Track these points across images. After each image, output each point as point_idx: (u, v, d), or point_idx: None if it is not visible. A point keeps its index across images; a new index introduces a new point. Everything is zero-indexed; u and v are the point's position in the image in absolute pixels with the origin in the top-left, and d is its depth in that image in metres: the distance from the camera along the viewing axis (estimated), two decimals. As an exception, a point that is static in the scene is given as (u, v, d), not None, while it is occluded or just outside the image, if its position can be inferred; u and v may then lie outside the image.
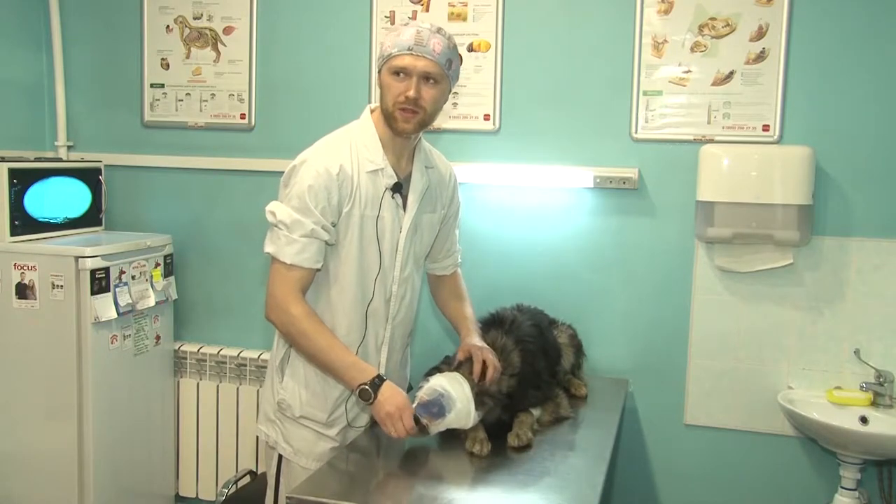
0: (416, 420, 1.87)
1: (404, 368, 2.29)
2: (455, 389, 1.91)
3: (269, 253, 1.94)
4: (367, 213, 1.98)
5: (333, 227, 1.95)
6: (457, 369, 2.00)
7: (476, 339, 2.11)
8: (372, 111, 2.05)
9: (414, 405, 1.88)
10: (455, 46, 1.98)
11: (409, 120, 1.94)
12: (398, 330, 2.14)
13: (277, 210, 1.93)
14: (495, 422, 2.01)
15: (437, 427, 1.89)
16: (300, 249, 1.90)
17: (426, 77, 1.92)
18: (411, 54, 1.90)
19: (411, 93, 1.90)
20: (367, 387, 1.86)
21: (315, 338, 1.91)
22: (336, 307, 2.03)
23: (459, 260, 2.36)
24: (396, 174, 2.02)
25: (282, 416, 2.08)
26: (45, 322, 2.66)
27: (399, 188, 2.02)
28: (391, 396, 1.86)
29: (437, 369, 2.07)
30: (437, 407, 1.88)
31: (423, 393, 1.90)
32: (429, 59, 1.90)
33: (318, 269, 1.96)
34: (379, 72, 1.97)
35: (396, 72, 1.91)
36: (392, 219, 2.02)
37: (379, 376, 1.89)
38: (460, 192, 2.29)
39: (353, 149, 1.98)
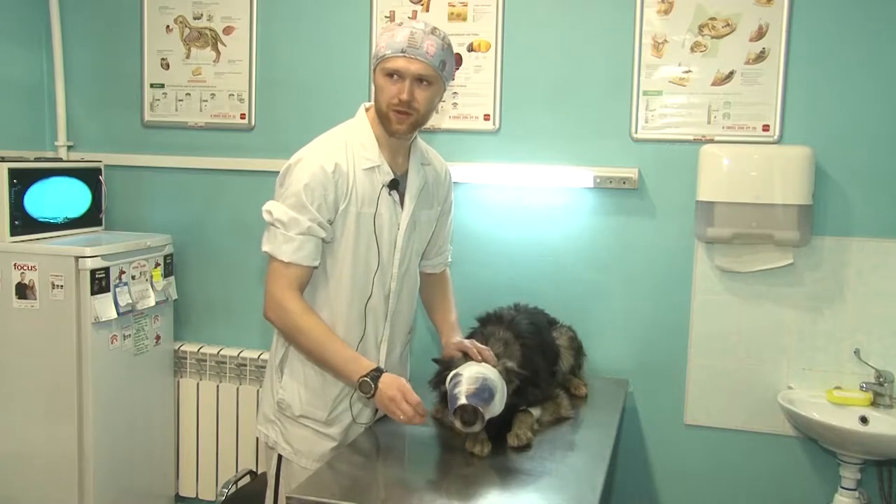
0: (475, 411, 1.83)
1: (404, 366, 2.29)
2: (489, 371, 1.91)
3: (266, 252, 1.94)
4: (364, 210, 1.98)
5: (330, 224, 1.95)
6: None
7: (459, 339, 2.13)
8: (367, 110, 2.06)
9: (463, 401, 1.84)
10: (450, 46, 1.97)
11: (403, 121, 1.95)
12: (397, 326, 2.15)
13: (274, 209, 1.93)
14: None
15: (488, 413, 1.86)
16: (297, 247, 1.90)
17: (419, 79, 1.92)
18: (405, 56, 1.90)
19: (404, 96, 1.91)
20: (367, 379, 1.86)
21: (312, 334, 1.91)
22: (334, 304, 2.03)
23: (449, 259, 2.36)
24: (393, 171, 2.02)
25: (281, 416, 2.08)
26: (45, 322, 2.66)
27: (396, 185, 2.02)
28: (391, 382, 1.86)
29: (441, 375, 2.03)
30: (486, 392, 1.86)
31: (466, 384, 1.86)
32: (422, 62, 1.90)
33: (316, 267, 1.97)
34: (373, 71, 1.97)
35: (390, 74, 1.92)
36: (390, 216, 2.02)
37: (378, 368, 1.89)
38: (457, 191, 2.30)
39: (348, 147, 1.98)
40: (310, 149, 1.99)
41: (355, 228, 1.98)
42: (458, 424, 1.87)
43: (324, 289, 2.02)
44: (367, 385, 1.86)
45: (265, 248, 1.95)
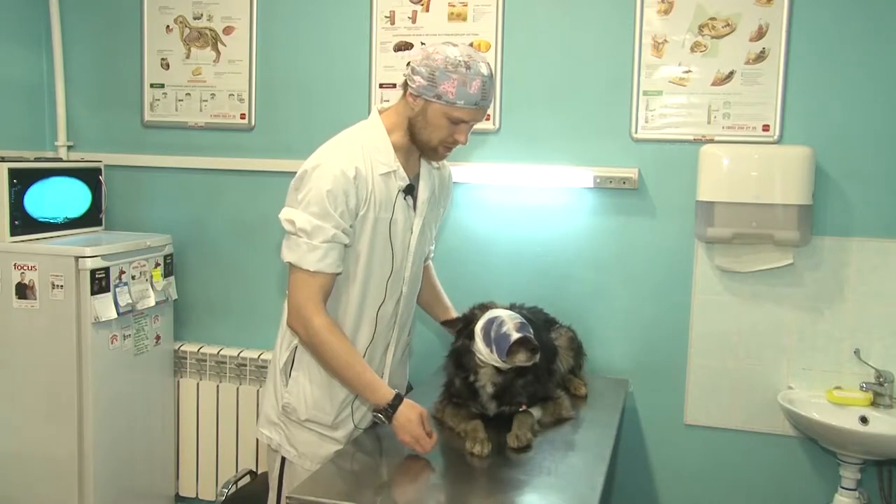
0: (532, 343, 1.93)
1: (404, 367, 2.29)
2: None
3: (289, 262, 1.90)
4: (382, 215, 1.97)
5: (351, 228, 1.94)
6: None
7: None
8: (380, 112, 2.03)
9: (517, 335, 1.92)
10: None
11: (448, 154, 2.01)
12: (402, 329, 2.15)
13: (296, 218, 1.88)
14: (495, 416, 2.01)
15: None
16: (322, 256, 1.87)
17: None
18: (476, 108, 1.90)
19: (464, 140, 1.95)
20: (380, 415, 1.89)
21: (334, 351, 1.90)
22: (346, 310, 2.01)
23: (433, 255, 2.37)
24: (407, 175, 2.01)
25: (286, 420, 2.07)
26: (45, 322, 2.66)
27: (411, 190, 2.02)
28: (406, 423, 1.87)
29: (467, 328, 2.06)
30: (527, 327, 1.96)
31: (510, 321, 1.95)
32: (487, 110, 1.95)
33: (340, 273, 1.94)
34: (425, 101, 1.90)
35: (455, 121, 1.91)
36: (404, 220, 2.02)
37: (396, 397, 1.89)
38: (457, 191, 2.30)
39: (364, 151, 1.95)
40: (326, 153, 1.94)
41: (371, 234, 1.96)
42: (520, 358, 1.94)
43: (335, 294, 1.99)
44: (380, 419, 1.90)
45: (288, 258, 1.90)
